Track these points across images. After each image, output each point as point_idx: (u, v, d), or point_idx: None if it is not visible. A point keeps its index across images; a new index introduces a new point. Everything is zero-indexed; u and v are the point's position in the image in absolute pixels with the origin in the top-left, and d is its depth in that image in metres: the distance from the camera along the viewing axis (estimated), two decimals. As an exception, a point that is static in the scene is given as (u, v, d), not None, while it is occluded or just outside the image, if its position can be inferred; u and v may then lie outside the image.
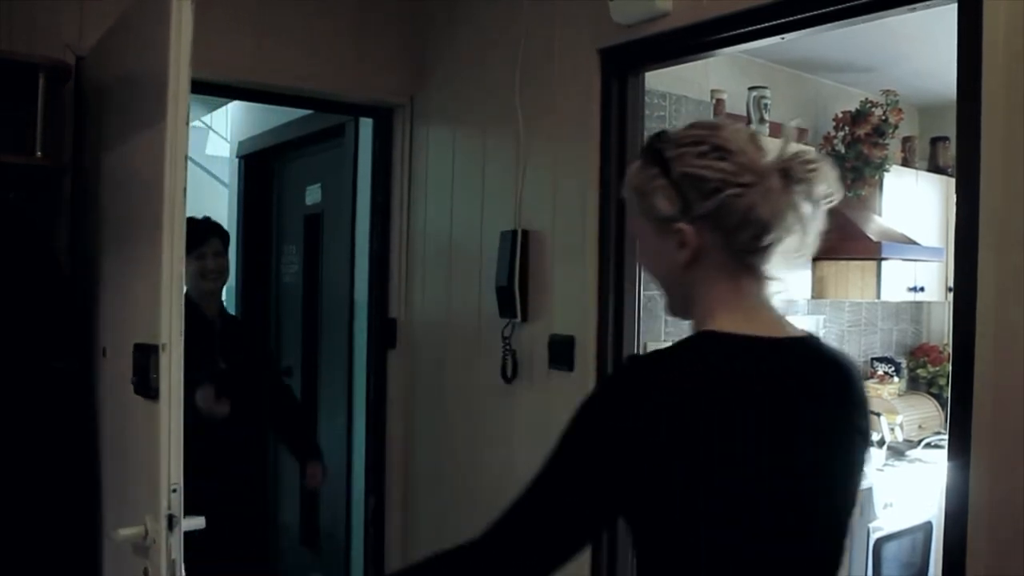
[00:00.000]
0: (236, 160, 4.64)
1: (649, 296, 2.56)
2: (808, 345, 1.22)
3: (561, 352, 2.51)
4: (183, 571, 1.73)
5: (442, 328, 3.08)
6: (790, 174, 1.15)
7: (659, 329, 2.61)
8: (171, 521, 1.70)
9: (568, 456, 1.14)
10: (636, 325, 2.43)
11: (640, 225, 1.23)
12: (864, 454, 1.22)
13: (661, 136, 1.21)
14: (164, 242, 1.72)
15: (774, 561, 1.12)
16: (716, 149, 1.15)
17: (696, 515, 1.08)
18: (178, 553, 1.70)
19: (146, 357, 1.78)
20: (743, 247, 1.16)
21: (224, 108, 5.17)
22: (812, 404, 1.15)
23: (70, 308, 2.35)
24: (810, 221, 1.17)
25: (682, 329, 2.94)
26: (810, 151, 1.21)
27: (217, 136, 7.04)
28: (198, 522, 1.79)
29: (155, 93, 1.77)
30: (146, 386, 1.79)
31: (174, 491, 1.71)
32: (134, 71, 2.00)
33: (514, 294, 2.63)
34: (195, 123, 6.52)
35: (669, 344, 1.18)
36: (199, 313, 2.85)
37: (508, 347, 2.69)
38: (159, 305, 1.72)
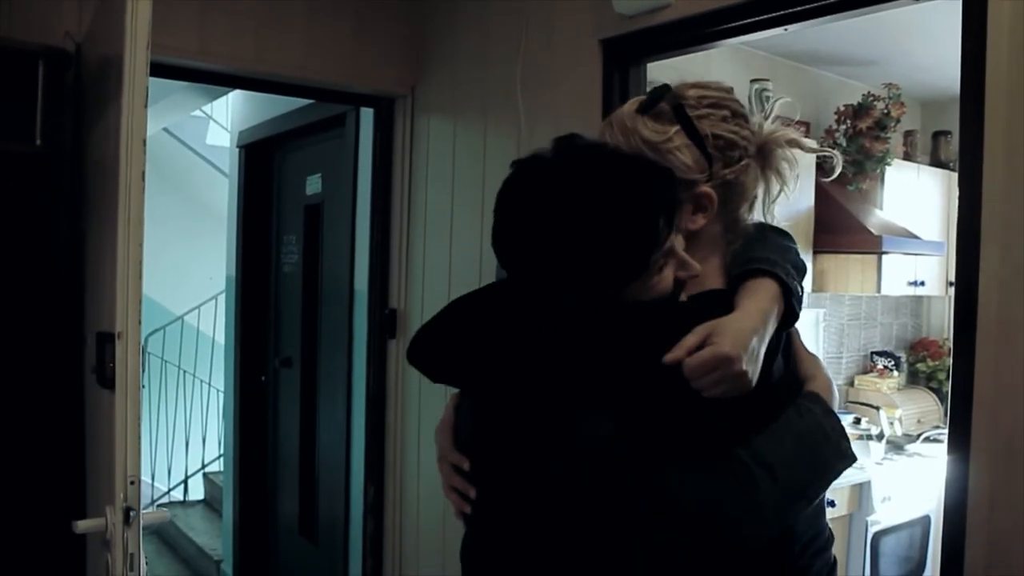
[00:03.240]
0: (236, 150, 4.63)
1: (649, 288, 2.56)
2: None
3: (561, 344, 2.50)
4: (143, 565, 1.67)
5: (442, 319, 3.07)
6: (770, 148, 1.14)
7: (659, 321, 2.61)
8: (128, 514, 1.64)
9: None
10: (636, 317, 2.43)
11: None
12: None
13: (671, 91, 1.14)
14: (120, 227, 1.67)
15: None
16: (736, 115, 1.12)
17: None
18: (136, 547, 1.64)
19: (103, 345, 1.74)
20: (734, 221, 1.14)
21: (225, 98, 5.16)
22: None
23: (66, 296, 2.35)
24: (776, 195, 1.19)
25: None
26: (789, 130, 1.21)
27: (217, 126, 7.06)
28: (160, 515, 1.75)
29: (119, 76, 1.71)
30: (103, 375, 1.75)
31: (131, 483, 1.65)
32: (106, 54, 1.97)
33: (514, 286, 2.62)
34: (196, 113, 6.53)
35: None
36: None
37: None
38: (115, 292, 1.66)
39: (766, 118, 1.18)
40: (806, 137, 3.90)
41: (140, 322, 1.68)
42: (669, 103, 1.13)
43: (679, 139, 1.11)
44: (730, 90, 1.17)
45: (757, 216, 1.19)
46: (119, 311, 1.66)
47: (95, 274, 2.08)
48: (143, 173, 1.67)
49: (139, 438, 1.68)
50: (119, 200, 1.67)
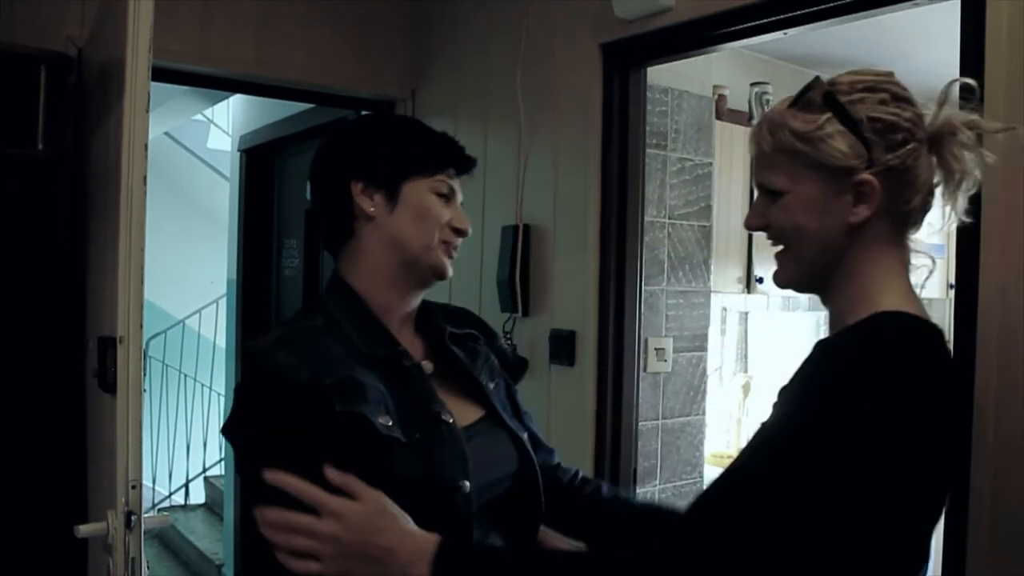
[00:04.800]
0: (237, 154, 4.63)
1: (650, 291, 2.56)
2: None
3: (562, 347, 2.51)
4: (145, 569, 1.66)
5: (443, 323, 3.08)
6: (951, 135, 1.05)
7: (660, 324, 2.61)
8: (129, 518, 1.63)
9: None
10: (637, 319, 2.44)
11: (791, 177, 1.08)
12: None
13: (821, 81, 1.09)
14: (122, 232, 1.66)
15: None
16: (897, 98, 1.06)
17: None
18: (138, 551, 1.63)
19: (105, 350, 1.74)
20: (907, 213, 1.05)
21: (226, 102, 5.17)
22: None
23: (68, 300, 2.35)
24: (962, 193, 1.08)
25: (683, 325, 2.93)
26: (970, 118, 1.10)
27: (218, 130, 7.06)
28: (162, 519, 1.75)
29: (117, 79, 1.72)
30: (105, 380, 1.74)
31: (133, 487, 1.63)
32: (107, 59, 1.97)
33: (515, 288, 2.63)
34: (197, 117, 6.54)
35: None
36: None
37: (509, 341, 2.69)
38: (117, 297, 1.66)
39: (939, 104, 1.09)
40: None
41: (142, 327, 1.68)
42: (819, 91, 1.08)
43: (831, 126, 1.05)
44: (890, 74, 1.10)
45: (940, 208, 1.09)
46: (121, 316, 1.66)
47: (97, 278, 2.09)
48: (145, 178, 1.66)
49: (140, 442, 1.68)
50: (121, 205, 1.66)
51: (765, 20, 2.02)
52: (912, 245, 1.09)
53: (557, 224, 2.58)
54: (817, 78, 1.10)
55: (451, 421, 1.24)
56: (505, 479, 1.32)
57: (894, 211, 1.05)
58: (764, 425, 1.02)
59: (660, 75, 2.53)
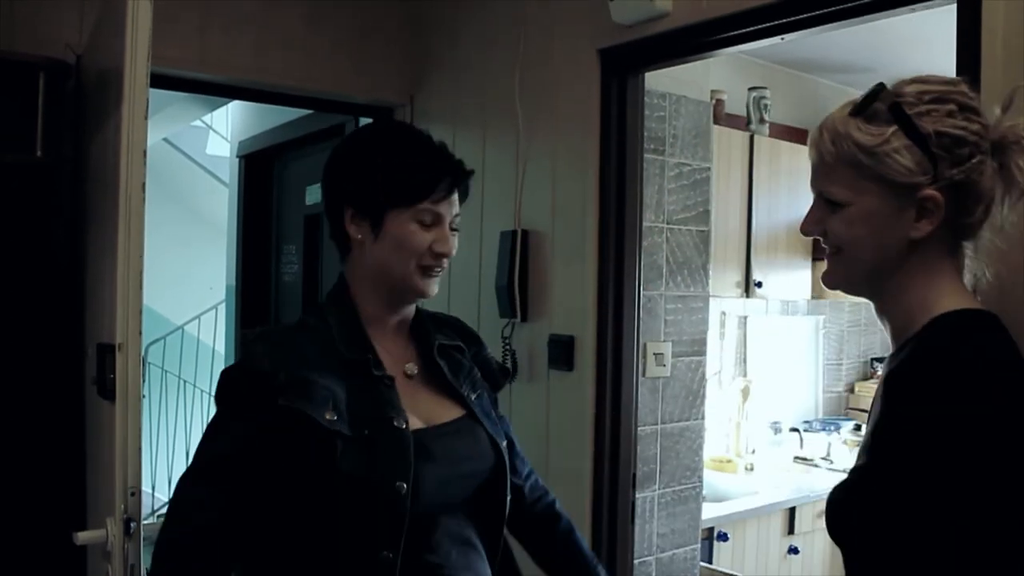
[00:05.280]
0: (236, 160, 4.64)
1: (649, 296, 2.56)
2: None
3: (561, 352, 2.51)
4: None
5: (442, 328, 3.08)
6: (1006, 151, 1.02)
7: (659, 329, 2.61)
8: (128, 525, 1.63)
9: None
10: (636, 325, 2.44)
11: (853, 189, 1.06)
12: None
13: (887, 90, 1.07)
14: (120, 239, 1.67)
15: None
16: (964, 109, 1.02)
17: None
18: (137, 559, 1.63)
19: (103, 357, 1.74)
20: (968, 226, 1.04)
21: (224, 108, 5.17)
22: None
23: (67, 307, 2.35)
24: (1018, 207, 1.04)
25: (682, 329, 2.93)
26: None
27: (217, 136, 7.06)
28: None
29: (116, 86, 1.72)
30: (104, 386, 1.74)
31: (132, 494, 1.64)
32: (106, 66, 1.97)
33: (514, 294, 2.63)
34: (196, 123, 6.54)
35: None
36: None
37: (508, 347, 2.69)
38: (116, 304, 1.66)
39: (1004, 110, 1.06)
40: (804, 145, 3.93)
41: (141, 333, 1.68)
42: (885, 102, 1.05)
43: (897, 140, 1.03)
44: (957, 82, 1.07)
45: (996, 221, 1.07)
46: (119, 322, 1.66)
47: (95, 285, 2.09)
48: (143, 185, 1.67)
49: (139, 450, 1.68)
50: (119, 212, 1.67)
51: (762, 25, 2.02)
52: (967, 252, 1.09)
53: (556, 229, 2.58)
54: (882, 86, 1.07)
55: (403, 427, 1.31)
56: (480, 473, 1.41)
57: (956, 223, 1.04)
58: (862, 480, 1.02)
59: (658, 80, 2.53)
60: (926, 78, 1.08)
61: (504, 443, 1.45)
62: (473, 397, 1.46)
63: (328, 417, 1.27)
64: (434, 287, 1.42)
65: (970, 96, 1.04)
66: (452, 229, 1.43)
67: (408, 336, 1.48)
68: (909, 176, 1.02)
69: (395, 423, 1.31)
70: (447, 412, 1.42)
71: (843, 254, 1.10)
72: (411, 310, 1.48)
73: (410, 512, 1.28)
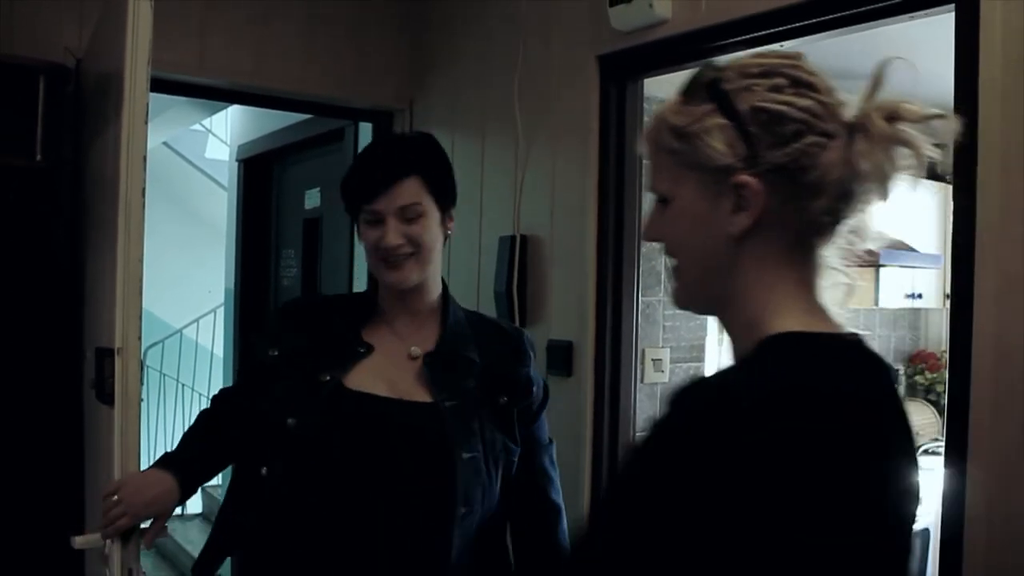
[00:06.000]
0: (236, 163, 4.64)
1: (647, 302, 2.57)
2: (869, 350, 0.94)
3: (559, 357, 2.51)
4: None
5: (440, 333, 3.08)
6: (874, 130, 0.87)
7: (657, 335, 2.61)
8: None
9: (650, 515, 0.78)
10: (634, 331, 2.44)
11: (674, 180, 0.91)
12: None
13: (712, 66, 0.91)
14: (120, 243, 1.68)
15: None
16: (797, 83, 0.88)
17: None
18: (135, 562, 1.62)
19: (102, 361, 1.74)
20: (812, 220, 0.87)
21: (224, 112, 5.18)
22: (899, 431, 0.89)
23: (67, 310, 2.35)
24: (885, 196, 0.89)
25: (680, 335, 2.93)
26: (911, 105, 0.91)
27: (217, 140, 7.07)
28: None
29: (116, 91, 1.73)
30: (103, 391, 1.75)
31: None
32: (105, 70, 1.98)
33: (512, 299, 2.63)
34: (195, 127, 6.55)
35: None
36: None
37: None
38: (115, 308, 1.67)
39: (871, 88, 0.92)
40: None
41: (140, 338, 1.69)
42: (703, 79, 0.90)
43: (711, 119, 0.87)
44: (796, 56, 0.92)
45: (862, 216, 0.90)
46: (119, 327, 1.66)
47: (94, 289, 2.09)
48: (143, 190, 1.68)
49: (138, 453, 1.68)
50: (119, 216, 1.67)
51: (761, 32, 2.02)
52: (825, 258, 0.91)
53: (554, 235, 2.58)
54: (707, 63, 0.92)
55: (326, 379, 1.49)
56: (413, 460, 1.47)
57: (792, 219, 0.87)
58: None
59: (657, 86, 2.54)
60: (761, 52, 0.94)
61: (468, 455, 1.48)
62: (448, 404, 1.50)
63: (270, 352, 1.57)
64: (399, 276, 1.52)
65: (810, 71, 0.90)
66: (408, 219, 1.50)
67: (438, 325, 1.59)
68: (721, 158, 0.86)
69: (321, 376, 1.49)
70: (420, 396, 1.52)
71: (677, 263, 0.95)
72: (422, 300, 1.59)
73: (296, 444, 1.46)
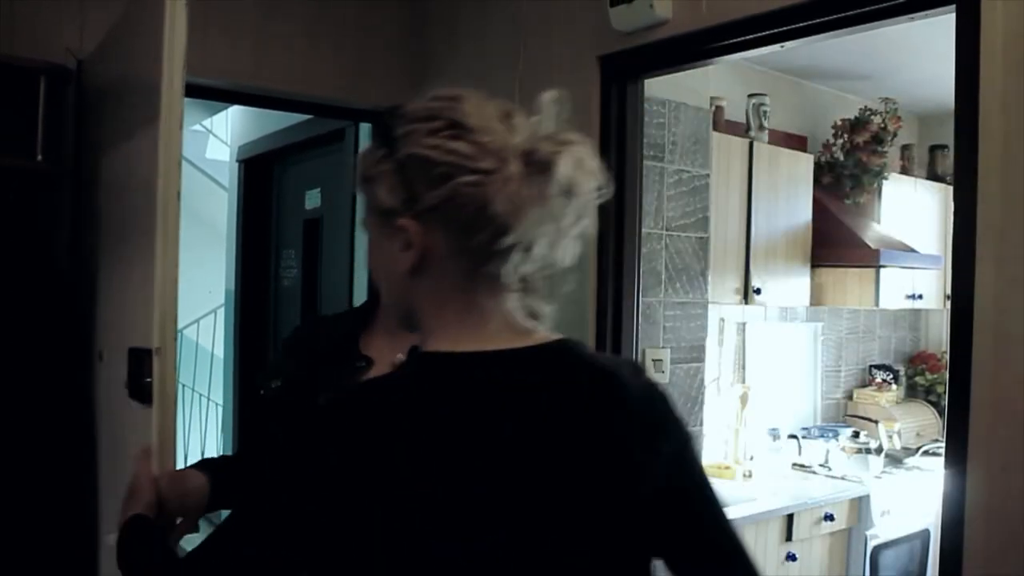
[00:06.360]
0: (236, 164, 4.64)
1: (647, 303, 2.57)
2: (553, 358, 1.02)
3: (559, 358, 2.50)
4: None
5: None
6: (533, 158, 0.93)
7: (657, 336, 2.61)
8: None
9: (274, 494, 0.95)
10: (635, 331, 2.43)
11: (365, 219, 1.01)
12: (631, 488, 0.96)
13: (395, 110, 0.98)
14: (158, 245, 1.71)
15: None
16: (452, 126, 0.94)
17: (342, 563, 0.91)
18: None
19: (140, 361, 1.77)
20: (478, 251, 0.93)
21: (224, 112, 5.18)
22: (532, 432, 0.93)
23: (69, 311, 2.35)
24: (565, 219, 0.96)
25: (681, 336, 2.92)
26: (570, 134, 1.00)
27: (217, 140, 7.06)
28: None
29: (149, 96, 1.76)
30: (140, 390, 1.78)
31: None
32: (130, 74, 2.00)
33: (513, 300, 2.63)
34: (196, 127, 6.54)
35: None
36: None
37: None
38: (153, 308, 1.71)
39: (536, 123, 0.99)
40: (803, 152, 3.95)
41: (176, 338, 1.75)
42: (383, 124, 0.98)
43: (382, 166, 0.95)
44: (458, 97, 1.00)
45: (547, 238, 0.96)
46: (156, 327, 1.71)
47: (115, 291, 2.11)
48: (179, 193, 1.72)
49: (173, 451, 1.73)
50: (157, 219, 1.71)
51: (762, 33, 2.03)
52: (504, 283, 0.97)
53: (555, 235, 2.58)
54: (395, 107, 0.99)
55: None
56: None
57: (457, 252, 0.94)
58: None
59: (658, 87, 2.54)
60: (438, 93, 1.00)
61: None
62: None
63: (272, 385, 1.58)
64: None
65: (466, 112, 0.96)
66: None
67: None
68: (386, 203, 0.95)
69: (320, 399, 1.48)
70: None
71: (380, 287, 1.05)
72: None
73: None
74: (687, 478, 1.02)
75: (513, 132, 0.96)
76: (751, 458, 3.85)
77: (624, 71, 2.40)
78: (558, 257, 0.99)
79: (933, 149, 4.63)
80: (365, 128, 3.37)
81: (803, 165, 3.82)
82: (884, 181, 4.15)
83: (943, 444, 1.67)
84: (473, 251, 0.93)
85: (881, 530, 3.72)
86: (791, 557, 3.42)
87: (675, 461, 1.00)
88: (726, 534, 1.04)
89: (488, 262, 0.94)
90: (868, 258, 3.80)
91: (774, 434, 4.09)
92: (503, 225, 0.92)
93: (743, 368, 4.02)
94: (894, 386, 4.58)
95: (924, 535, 3.92)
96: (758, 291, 3.58)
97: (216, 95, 3.11)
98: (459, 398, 0.93)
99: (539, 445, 0.92)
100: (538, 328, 1.03)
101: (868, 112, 4.05)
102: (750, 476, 3.71)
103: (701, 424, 2.76)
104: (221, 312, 5.37)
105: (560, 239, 0.97)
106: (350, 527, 0.89)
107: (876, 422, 4.21)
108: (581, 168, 0.97)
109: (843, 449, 3.99)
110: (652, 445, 0.97)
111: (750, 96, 3.72)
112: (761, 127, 3.70)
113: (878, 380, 4.59)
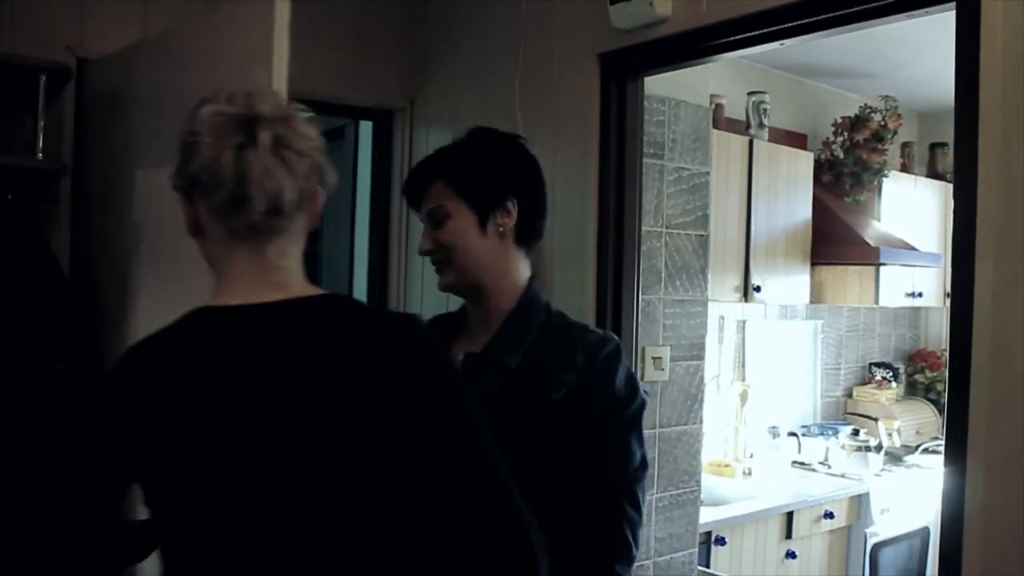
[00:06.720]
0: (236, 162, 4.64)
1: (647, 300, 2.57)
2: (318, 307, 1.20)
3: (559, 356, 2.50)
4: None
5: (441, 331, 3.08)
6: (257, 138, 1.08)
7: (657, 333, 2.61)
8: None
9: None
10: (634, 329, 2.44)
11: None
12: (411, 420, 1.05)
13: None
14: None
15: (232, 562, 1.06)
16: (201, 104, 1.10)
17: (156, 504, 1.13)
18: None
19: None
20: (221, 211, 1.09)
21: (224, 110, 5.16)
22: (295, 372, 1.06)
23: (70, 310, 2.35)
24: (263, 171, 1.08)
25: (680, 334, 2.92)
26: (272, 97, 1.19)
27: (217, 138, 7.06)
28: None
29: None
30: None
31: None
32: (163, 85, 2.03)
33: (513, 298, 2.63)
34: (195, 125, 6.53)
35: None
36: None
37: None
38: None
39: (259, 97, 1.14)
40: (803, 150, 3.95)
41: None
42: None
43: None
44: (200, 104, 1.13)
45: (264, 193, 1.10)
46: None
47: (152, 298, 2.15)
48: None
49: None
50: None
51: (762, 30, 2.03)
52: (262, 234, 1.13)
53: (555, 233, 2.57)
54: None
55: None
56: None
57: (214, 221, 1.12)
58: None
59: (657, 85, 2.54)
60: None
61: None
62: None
63: None
64: (440, 281, 1.58)
65: (216, 95, 1.10)
66: (436, 223, 1.53)
67: (503, 327, 1.53)
68: (173, 183, 1.14)
69: None
70: None
71: None
72: (487, 305, 1.55)
73: None
74: (441, 407, 1.08)
75: (236, 106, 1.11)
76: (751, 456, 3.85)
77: (624, 69, 2.40)
78: (282, 209, 1.13)
79: (933, 147, 4.63)
80: (365, 126, 3.37)
81: (803, 163, 3.82)
82: (884, 179, 4.15)
83: (943, 442, 1.67)
84: (218, 220, 1.11)
85: (881, 528, 3.72)
86: (791, 555, 3.42)
87: (432, 391, 1.08)
88: (483, 471, 1.06)
89: (231, 220, 1.10)
90: (868, 256, 3.81)
91: (774, 432, 4.10)
92: (243, 193, 1.08)
93: (743, 366, 4.03)
94: (894, 384, 4.58)
95: (924, 533, 3.92)
96: (758, 289, 3.58)
97: (216, 93, 3.10)
98: (220, 346, 1.09)
99: (301, 381, 1.06)
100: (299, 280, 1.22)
101: (868, 110, 4.05)
102: (750, 474, 3.71)
103: (701, 422, 2.76)
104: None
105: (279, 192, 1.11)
106: (156, 469, 1.10)
107: (876, 420, 4.22)
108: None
109: (843, 447, 3.99)
110: (408, 378, 1.06)
111: (750, 94, 3.72)
112: (761, 125, 3.71)
113: (878, 378, 4.59)
